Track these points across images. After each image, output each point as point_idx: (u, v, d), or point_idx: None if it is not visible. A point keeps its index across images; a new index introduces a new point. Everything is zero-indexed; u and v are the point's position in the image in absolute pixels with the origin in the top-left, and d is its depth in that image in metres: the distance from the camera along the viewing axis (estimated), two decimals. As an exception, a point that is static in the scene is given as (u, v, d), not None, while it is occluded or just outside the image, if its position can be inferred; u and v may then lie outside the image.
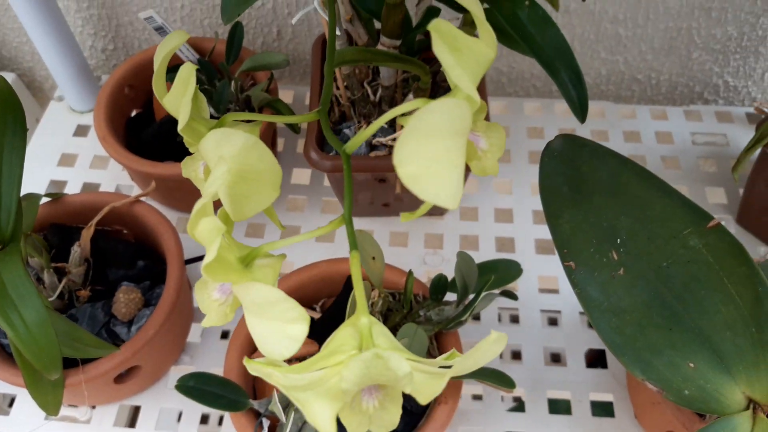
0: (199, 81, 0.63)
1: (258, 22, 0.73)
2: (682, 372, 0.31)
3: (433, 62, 0.56)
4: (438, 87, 0.57)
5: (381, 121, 0.27)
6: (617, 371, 0.54)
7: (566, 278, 0.59)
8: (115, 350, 0.41)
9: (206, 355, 0.57)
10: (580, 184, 0.36)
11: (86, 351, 0.40)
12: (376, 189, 0.58)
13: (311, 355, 0.49)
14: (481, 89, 0.58)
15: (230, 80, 0.62)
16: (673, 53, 0.70)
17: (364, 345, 0.23)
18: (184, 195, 0.63)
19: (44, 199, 0.54)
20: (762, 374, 0.31)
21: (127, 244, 0.56)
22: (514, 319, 0.62)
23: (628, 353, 0.32)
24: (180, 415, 0.54)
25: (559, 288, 0.60)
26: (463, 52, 0.22)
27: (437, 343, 0.48)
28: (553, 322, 0.63)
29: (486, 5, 0.42)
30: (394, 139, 0.55)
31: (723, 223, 0.33)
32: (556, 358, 0.59)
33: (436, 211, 0.64)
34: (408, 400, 0.45)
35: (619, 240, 0.34)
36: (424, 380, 0.22)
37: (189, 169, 0.30)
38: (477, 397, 0.54)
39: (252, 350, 0.49)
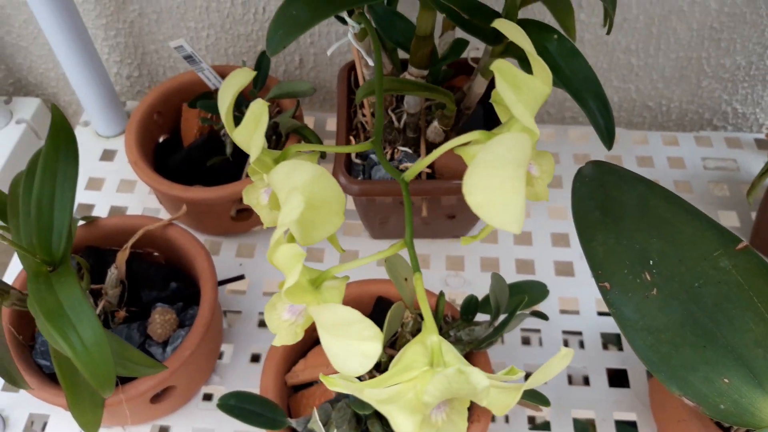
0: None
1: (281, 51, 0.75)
2: (716, 387, 0.32)
3: (455, 90, 0.59)
4: (461, 114, 0.59)
5: (441, 149, 0.29)
6: (639, 390, 0.55)
7: (586, 299, 0.61)
8: (163, 369, 0.43)
9: (236, 375, 0.58)
10: (611, 208, 0.37)
11: (137, 370, 0.42)
12: (402, 212, 0.60)
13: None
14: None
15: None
16: (684, 81, 0.73)
17: (435, 361, 0.25)
18: (212, 219, 0.65)
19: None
20: (792, 390, 0.33)
21: (159, 266, 0.58)
22: (534, 341, 0.63)
23: (664, 370, 0.33)
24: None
25: (580, 309, 0.61)
26: (522, 89, 0.24)
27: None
28: (574, 342, 0.64)
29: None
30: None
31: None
32: (577, 380, 0.60)
33: (458, 234, 0.66)
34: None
35: (651, 261, 0.36)
36: (499, 394, 0.24)
37: (250, 196, 0.31)
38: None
39: (286, 371, 0.50)
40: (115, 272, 0.53)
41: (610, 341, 0.59)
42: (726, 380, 0.32)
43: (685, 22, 0.67)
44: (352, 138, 0.59)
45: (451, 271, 0.64)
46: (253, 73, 0.29)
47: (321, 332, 0.25)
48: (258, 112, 0.26)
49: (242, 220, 0.65)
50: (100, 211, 0.70)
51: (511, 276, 0.64)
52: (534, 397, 0.41)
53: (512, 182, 0.22)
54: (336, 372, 0.24)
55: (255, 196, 0.31)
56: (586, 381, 0.57)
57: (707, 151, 0.73)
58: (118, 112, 0.76)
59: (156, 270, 0.57)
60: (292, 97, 0.64)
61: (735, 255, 0.34)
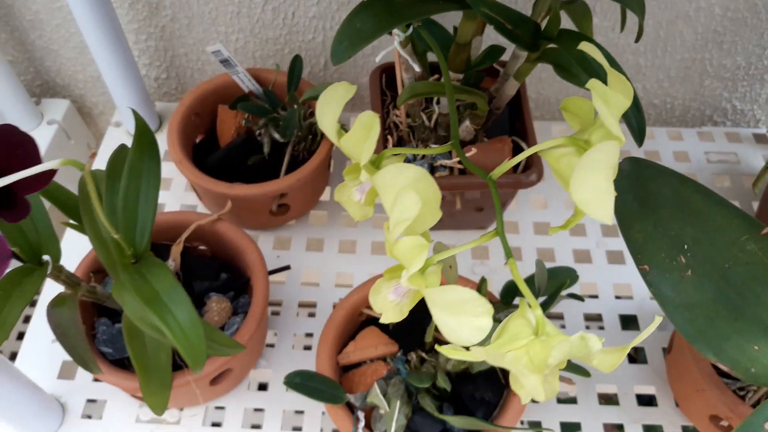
0: (265, 110, 0.69)
1: (307, 53, 0.79)
2: (748, 354, 0.37)
3: (485, 92, 0.63)
4: (491, 113, 0.63)
5: (524, 154, 0.33)
6: (657, 366, 0.60)
7: (604, 284, 0.66)
8: (243, 349, 0.47)
9: (281, 360, 0.62)
10: (648, 200, 0.42)
11: (221, 350, 0.45)
12: (446, 206, 0.64)
13: (389, 354, 0.54)
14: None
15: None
16: (687, 81, 0.78)
17: (539, 331, 0.29)
18: (251, 214, 0.68)
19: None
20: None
21: (208, 259, 0.62)
22: (556, 324, 0.68)
23: (700, 340, 0.38)
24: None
25: (599, 293, 0.66)
26: (611, 103, 0.28)
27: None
28: (594, 325, 0.69)
29: (554, 45, 0.48)
30: (454, 162, 0.61)
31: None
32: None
33: (484, 225, 0.70)
34: (485, 393, 0.51)
35: (685, 246, 0.40)
36: (605, 355, 0.28)
37: (342, 194, 0.35)
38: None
39: (337, 353, 0.54)
40: (172, 264, 0.57)
41: (629, 322, 0.64)
42: (756, 347, 0.37)
43: (690, 26, 0.72)
44: (389, 137, 0.63)
45: (477, 260, 0.69)
46: (354, 88, 0.32)
47: (435, 310, 0.29)
48: (368, 122, 0.30)
49: (280, 214, 0.68)
50: (139, 208, 0.73)
51: (532, 263, 0.68)
52: (576, 370, 0.46)
53: (606, 182, 0.27)
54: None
55: (347, 194, 0.35)
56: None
57: (709, 145, 0.78)
58: (150, 112, 0.79)
59: (205, 262, 0.61)
60: (325, 98, 0.68)
61: (760, 240, 0.39)
